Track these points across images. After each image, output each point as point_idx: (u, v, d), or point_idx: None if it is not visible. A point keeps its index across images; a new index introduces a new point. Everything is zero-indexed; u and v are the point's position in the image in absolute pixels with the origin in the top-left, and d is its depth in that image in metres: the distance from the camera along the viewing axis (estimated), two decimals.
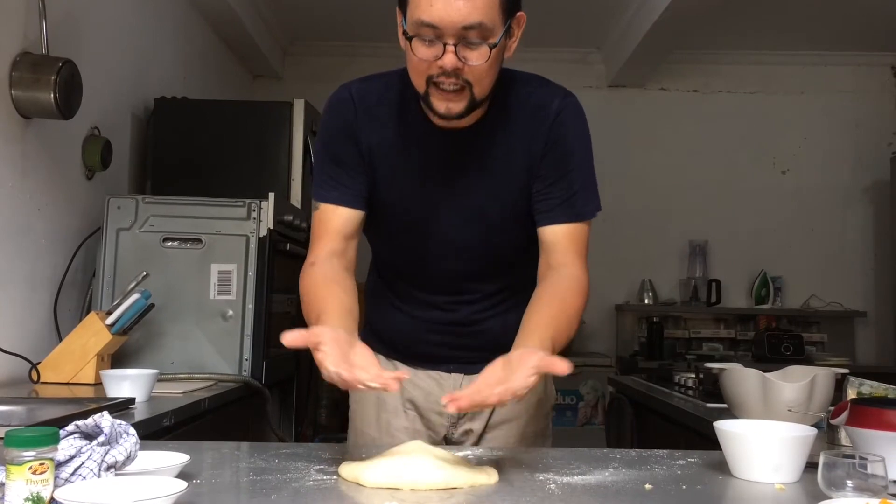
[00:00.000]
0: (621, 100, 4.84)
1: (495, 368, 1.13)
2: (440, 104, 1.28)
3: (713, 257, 4.84)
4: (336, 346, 1.11)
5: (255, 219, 2.40)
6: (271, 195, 2.44)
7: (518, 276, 1.49)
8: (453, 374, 1.53)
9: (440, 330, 1.52)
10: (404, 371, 1.50)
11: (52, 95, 2.11)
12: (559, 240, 1.39)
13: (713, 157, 4.86)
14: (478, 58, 1.24)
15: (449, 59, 1.22)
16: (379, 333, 1.57)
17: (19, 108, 2.14)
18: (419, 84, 1.29)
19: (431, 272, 1.48)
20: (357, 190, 1.41)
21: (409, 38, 1.25)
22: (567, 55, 4.76)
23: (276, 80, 4.84)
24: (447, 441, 1.55)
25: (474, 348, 1.47)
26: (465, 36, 1.22)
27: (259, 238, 2.39)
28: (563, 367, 1.09)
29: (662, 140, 4.88)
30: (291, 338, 1.11)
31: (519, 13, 1.31)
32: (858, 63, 4.86)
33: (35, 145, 2.25)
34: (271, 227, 2.42)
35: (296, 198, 2.97)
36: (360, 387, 1.08)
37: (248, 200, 2.41)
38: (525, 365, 1.10)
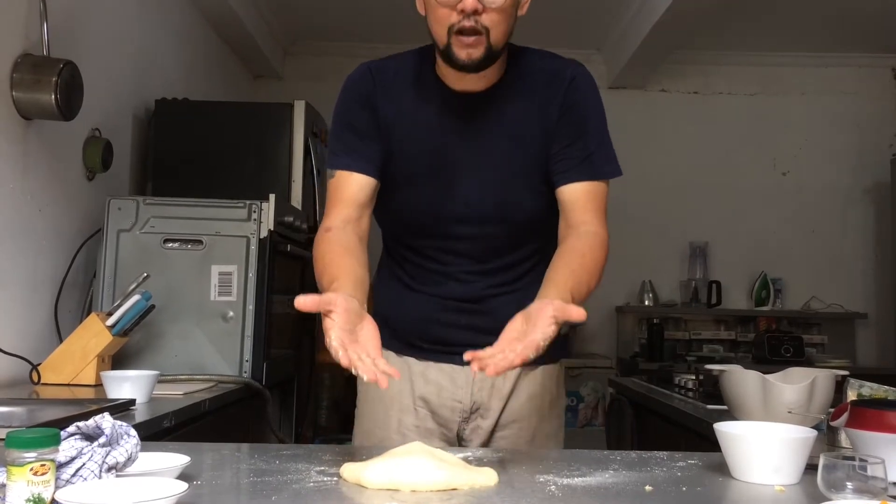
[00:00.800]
0: (622, 101, 4.84)
1: (515, 324, 1.16)
2: (461, 51, 1.34)
3: (714, 259, 4.84)
4: (346, 316, 1.12)
5: (255, 220, 2.40)
6: (272, 196, 2.44)
7: (535, 250, 1.49)
8: (466, 368, 1.48)
9: (453, 307, 1.49)
10: (413, 362, 1.51)
11: (52, 97, 2.11)
12: (578, 198, 1.42)
13: (714, 158, 4.86)
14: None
15: (469, 1, 1.29)
16: (389, 322, 1.51)
17: (20, 109, 2.14)
18: (441, 35, 1.35)
19: (448, 239, 1.48)
20: (371, 156, 1.44)
21: None
22: (567, 56, 4.76)
23: (277, 80, 4.85)
24: (459, 438, 1.54)
25: (486, 331, 1.44)
26: None
27: (259, 239, 2.39)
28: (579, 313, 1.13)
29: (663, 141, 4.88)
30: (304, 301, 1.12)
31: None
32: (859, 64, 4.87)
33: (36, 146, 2.25)
34: (272, 229, 2.42)
35: (296, 199, 2.97)
36: (353, 371, 1.10)
37: (248, 201, 2.41)
38: (544, 315, 1.13)
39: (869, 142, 4.83)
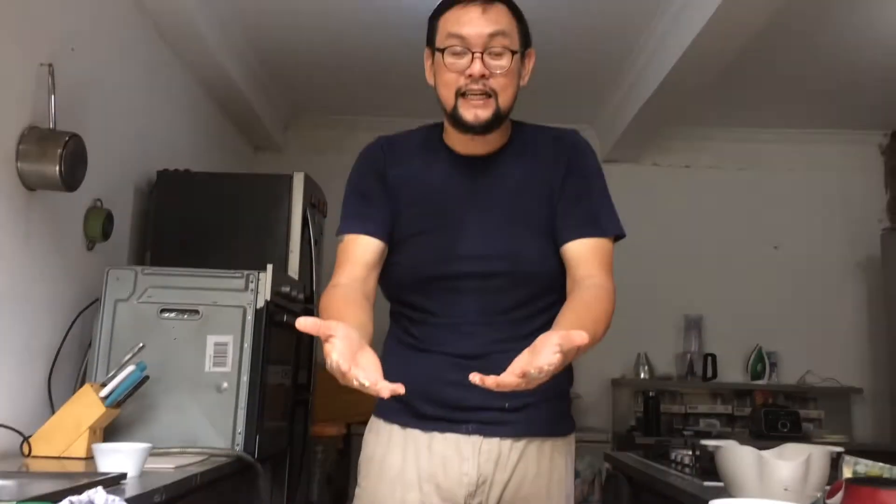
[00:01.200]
0: (615, 174, 4.84)
1: (521, 357, 1.16)
2: (468, 112, 1.41)
3: (708, 331, 4.84)
4: (347, 342, 1.13)
5: (252, 290, 2.41)
6: (269, 266, 2.46)
7: (541, 308, 1.48)
8: (472, 437, 1.46)
9: (461, 365, 1.42)
10: (418, 434, 1.49)
11: (57, 168, 2.15)
12: (583, 253, 1.45)
13: (706, 231, 4.92)
14: (502, 61, 1.41)
15: (477, 67, 1.39)
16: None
17: (24, 180, 2.18)
18: (449, 98, 1.43)
19: (453, 292, 1.47)
20: (379, 220, 1.49)
21: (442, 51, 1.42)
22: None
23: (277, 152, 4.93)
24: None
25: (494, 395, 1.43)
26: (490, 45, 1.40)
27: (256, 309, 2.40)
28: (581, 337, 1.14)
29: (656, 214, 4.94)
30: (305, 323, 1.12)
31: (530, 48, 1.48)
32: (846, 141, 4.97)
33: (38, 216, 2.28)
34: (268, 299, 2.43)
35: (293, 269, 2.99)
36: (355, 382, 1.10)
37: (246, 272, 2.43)
38: (548, 343, 1.14)
39: (858, 217, 4.90)
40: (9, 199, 2.15)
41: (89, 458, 1.99)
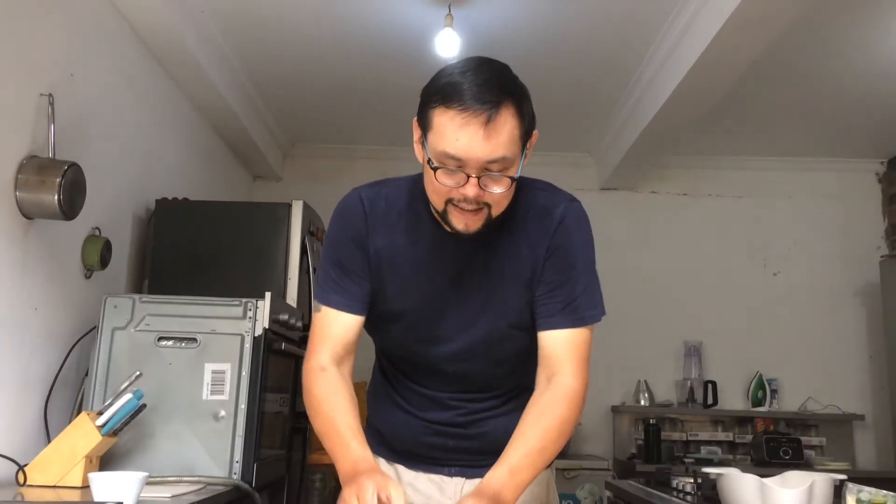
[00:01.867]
0: (613, 202, 4.94)
1: None
2: (458, 222, 1.33)
3: (708, 358, 4.83)
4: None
5: (250, 318, 2.41)
6: (268, 294, 2.45)
7: (522, 378, 1.49)
8: (455, 478, 1.52)
9: (442, 432, 1.51)
10: (403, 470, 1.52)
11: (56, 197, 2.15)
12: (558, 347, 1.40)
13: (705, 258, 4.92)
14: (499, 187, 1.29)
15: (471, 190, 1.28)
16: (380, 434, 1.56)
17: (23, 209, 2.18)
18: (438, 203, 1.34)
19: (435, 373, 1.49)
20: (359, 296, 1.44)
21: (434, 168, 1.29)
22: (560, 159, 4.89)
23: (276, 181, 4.95)
24: None
25: (475, 452, 1.46)
26: (488, 168, 1.27)
27: (254, 337, 2.39)
28: None
29: (655, 242, 4.95)
30: None
31: (534, 132, 1.36)
32: (843, 169, 5.00)
33: (36, 245, 2.28)
34: (267, 327, 2.42)
35: (292, 297, 2.99)
36: None
37: (244, 299, 2.43)
38: None
39: (856, 244, 4.91)
40: (7, 228, 2.15)
41: (85, 486, 1.97)
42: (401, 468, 1.54)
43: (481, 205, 1.30)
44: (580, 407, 1.40)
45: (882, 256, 4.67)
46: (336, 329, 1.44)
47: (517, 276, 1.42)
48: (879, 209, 5.01)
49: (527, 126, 1.31)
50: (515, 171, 1.30)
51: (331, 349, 1.43)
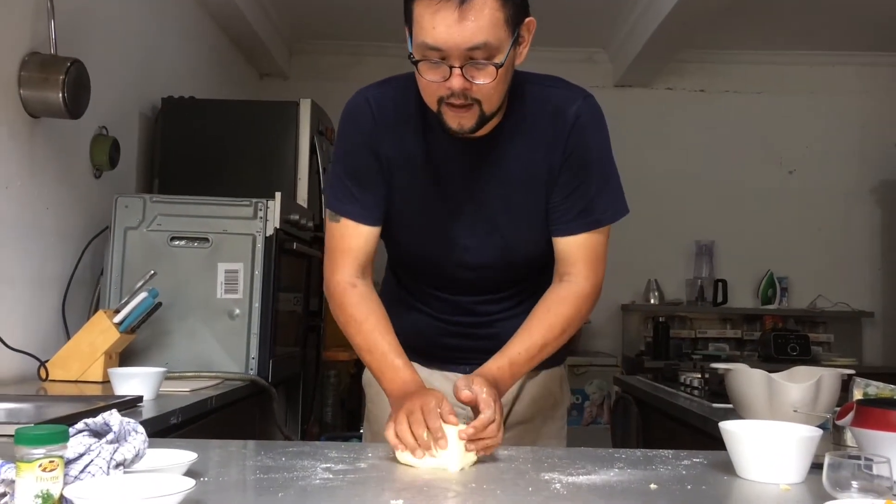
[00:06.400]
0: (628, 99, 4.83)
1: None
2: (452, 121, 1.30)
3: (719, 257, 4.83)
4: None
5: (261, 218, 2.40)
6: (278, 194, 2.44)
7: (536, 279, 1.51)
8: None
9: (458, 332, 1.54)
10: (418, 367, 1.53)
11: (60, 95, 2.12)
12: (571, 251, 1.42)
13: (720, 156, 4.85)
14: (484, 77, 1.24)
15: (456, 82, 1.24)
16: (395, 330, 1.55)
17: (28, 107, 2.15)
18: (431, 103, 1.31)
19: (450, 279, 1.50)
20: (376, 205, 1.43)
21: (416, 62, 1.25)
22: (573, 55, 4.76)
23: (283, 79, 4.85)
24: None
25: (491, 351, 1.47)
26: (471, 56, 1.22)
27: (266, 237, 2.40)
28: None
29: (669, 140, 4.87)
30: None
31: (528, 19, 1.29)
32: (864, 63, 4.85)
33: (43, 144, 2.26)
34: (278, 227, 2.42)
35: (302, 197, 2.98)
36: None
37: (254, 200, 2.42)
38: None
39: (874, 140, 4.81)
40: (13, 127, 2.12)
41: (106, 381, 2.02)
42: (416, 366, 1.55)
43: (470, 99, 1.26)
44: (589, 307, 1.43)
45: None
46: (356, 241, 1.43)
47: (533, 179, 1.40)
48: None
49: (513, 9, 1.24)
50: (501, 59, 1.24)
51: (354, 263, 1.43)
